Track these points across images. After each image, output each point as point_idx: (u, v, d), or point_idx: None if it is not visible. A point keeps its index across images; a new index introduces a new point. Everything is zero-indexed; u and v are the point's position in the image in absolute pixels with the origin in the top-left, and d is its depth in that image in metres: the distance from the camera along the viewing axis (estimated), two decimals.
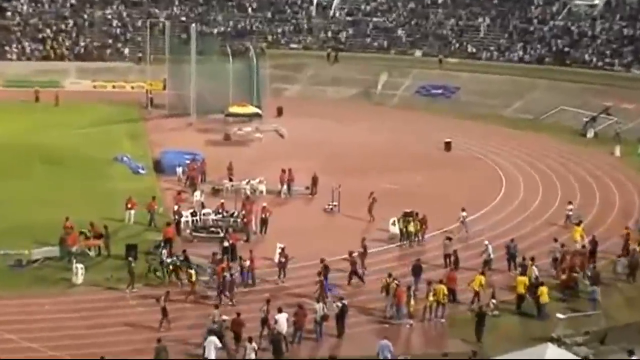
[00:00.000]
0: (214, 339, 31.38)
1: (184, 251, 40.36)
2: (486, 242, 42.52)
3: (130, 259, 39.34)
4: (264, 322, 33.61)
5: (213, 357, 31.18)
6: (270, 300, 34.83)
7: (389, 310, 36.28)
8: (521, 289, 37.25)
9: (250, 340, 31.41)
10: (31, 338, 32.95)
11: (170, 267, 39.36)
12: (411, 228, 45.73)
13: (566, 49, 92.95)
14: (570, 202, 50.29)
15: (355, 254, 40.31)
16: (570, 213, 49.04)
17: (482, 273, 38.49)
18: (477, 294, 37.18)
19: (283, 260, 40.05)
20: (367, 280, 39.69)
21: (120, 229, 45.40)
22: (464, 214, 47.51)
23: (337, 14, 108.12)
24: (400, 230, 46.00)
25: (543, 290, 36.88)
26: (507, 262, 42.02)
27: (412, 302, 35.96)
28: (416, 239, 45.84)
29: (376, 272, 40.27)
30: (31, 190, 53.04)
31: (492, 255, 41.56)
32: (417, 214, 46.47)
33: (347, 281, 39.62)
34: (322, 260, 38.59)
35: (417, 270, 39.31)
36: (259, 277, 39.67)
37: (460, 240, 45.62)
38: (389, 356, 31.31)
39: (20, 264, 40.59)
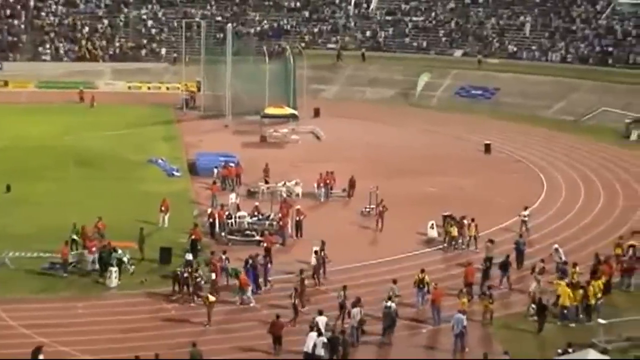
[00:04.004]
0: (314, 335, 31.55)
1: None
2: (555, 246, 41.64)
3: (179, 270, 38.27)
4: (342, 307, 34.54)
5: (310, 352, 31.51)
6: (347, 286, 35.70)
7: (420, 307, 36.49)
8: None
9: (320, 333, 31.75)
10: (64, 342, 32.60)
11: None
12: (450, 229, 44.81)
13: (610, 49, 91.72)
14: (526, 208, 48.22)
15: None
16: (526, 219, 47.27)
17: (561, 278, 37.91)
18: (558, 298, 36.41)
19: (321, 262, 39.88)
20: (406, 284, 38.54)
21: (154, 232, 44.90)
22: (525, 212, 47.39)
23: (376, 14, 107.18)
24: (446, 232, 45.16)
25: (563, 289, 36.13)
26: (515, 259, 41.70)
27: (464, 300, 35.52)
28: (459, 242, 44.83)
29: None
30: (65, 193, 53.00)
31: (563, 258, 40.63)
32: (461, 218, 45.52)
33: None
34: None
35: (505, 267, 39.56)
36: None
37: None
38: (462, 329, 32.71)
39: (54, 267, 40.14)
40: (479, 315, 35.78)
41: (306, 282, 37.31)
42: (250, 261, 38.60)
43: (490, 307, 35.67)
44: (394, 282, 36.38)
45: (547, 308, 35.06)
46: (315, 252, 40.17)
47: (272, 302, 37.14)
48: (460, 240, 44.77)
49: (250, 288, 37.19)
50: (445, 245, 44.79)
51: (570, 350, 30.13)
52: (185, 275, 37.59)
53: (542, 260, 40.27)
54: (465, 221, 44.97)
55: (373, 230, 47.57)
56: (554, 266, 40.48)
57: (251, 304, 36.87)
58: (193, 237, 42.44)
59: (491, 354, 31.14)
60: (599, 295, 36.18)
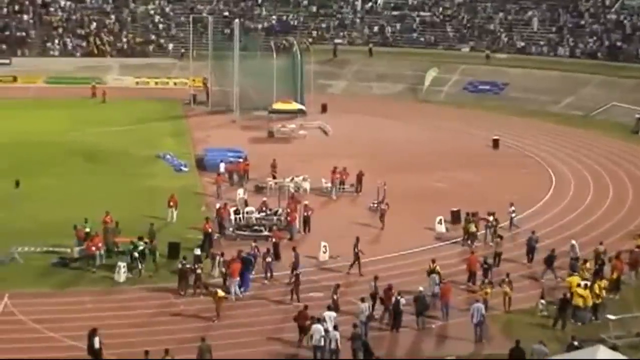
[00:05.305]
0: (320, 327, 31.55)
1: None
2: (573, 242, 41.41)
3: (197, 265, 38.15)
4: (373, 296, 34.87)
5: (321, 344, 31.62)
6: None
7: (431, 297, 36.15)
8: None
9: (335, 327, 31.71)
10: (74, 336, 32.47)
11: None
12: (468, 225, 44.50)
13: (619, 44, 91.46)
14: (511, 204, 47.52)
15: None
16: (513, 215, 46.92)
17: (570, 275, 37.94)
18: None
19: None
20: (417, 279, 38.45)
21: (162, 227, 44.88)
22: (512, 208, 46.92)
23: (383, 9, 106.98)
24: (465, 229, 44.83)
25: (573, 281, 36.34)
26: (526, 255, 41.83)
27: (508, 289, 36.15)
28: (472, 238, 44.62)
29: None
30: (73, 188, 53.05)
31: (579, 254, 40.46)
32: (474, 213, 45.41)
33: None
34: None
35: (550, 260, 39.67)
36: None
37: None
38: (482, 318, 33.17)
39: (64, 262, 40.33)
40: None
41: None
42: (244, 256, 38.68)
43: (510, 294, 35.90)
44: (376, 278, 36.24)
45: (569, 304, 34.85)
46: (293, 248, 39.91)
47: (278, 298, 37.19)
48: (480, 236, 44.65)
49: (236, 281, 37.10)
50: (468, 241, 44.31)
51: (575, 343, 29.97)
52: (179, 266, 37.64)
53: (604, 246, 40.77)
54: (489, 217, 44.81)
55: (378, 225, 47.21)
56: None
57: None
58: (210, 230, 42.56)
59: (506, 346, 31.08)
60: (604, 293, 36.09)
